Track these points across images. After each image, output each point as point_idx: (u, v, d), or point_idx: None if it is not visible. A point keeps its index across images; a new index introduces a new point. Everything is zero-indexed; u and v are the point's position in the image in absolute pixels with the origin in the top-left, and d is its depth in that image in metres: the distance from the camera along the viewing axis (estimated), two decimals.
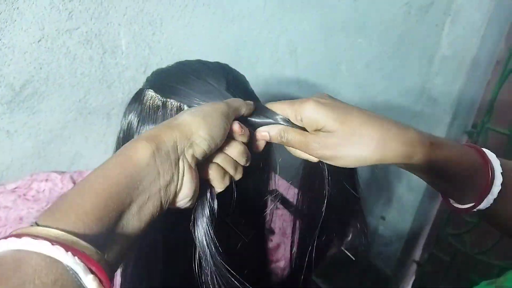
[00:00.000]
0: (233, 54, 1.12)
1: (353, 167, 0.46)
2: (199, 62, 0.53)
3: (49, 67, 0.85)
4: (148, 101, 0.47)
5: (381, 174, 2.02)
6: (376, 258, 2.34)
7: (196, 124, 0.38)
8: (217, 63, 0.54)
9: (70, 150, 0.98)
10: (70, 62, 0.87)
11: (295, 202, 1.02)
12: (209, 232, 0.41)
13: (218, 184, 0.42)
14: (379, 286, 2.30)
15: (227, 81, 0.47)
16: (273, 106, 0.47)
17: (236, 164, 0.43)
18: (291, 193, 1.06)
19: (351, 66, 1.45)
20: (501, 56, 1.57)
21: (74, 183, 0.97)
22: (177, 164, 0.37)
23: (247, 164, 0.45)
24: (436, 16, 1.64)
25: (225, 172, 0.43)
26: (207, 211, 0.41)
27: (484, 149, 0.46)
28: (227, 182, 0.43)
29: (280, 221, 0.93)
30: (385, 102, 1.72)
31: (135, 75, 0.95)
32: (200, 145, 0.38)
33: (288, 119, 0.45)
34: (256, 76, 1.19)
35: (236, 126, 0.43)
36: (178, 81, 0.48)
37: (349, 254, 0.91)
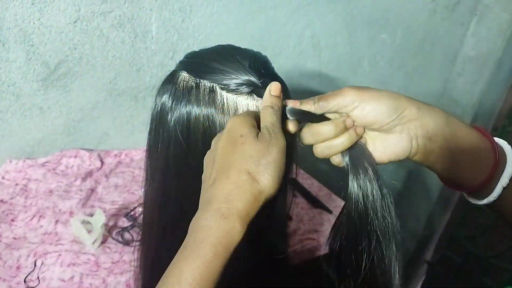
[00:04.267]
0: (258, 44, 1.14)
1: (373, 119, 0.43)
2: (231, 45, 0.55)
3: (83, 48, 0.89)
4: (182, 82, 0.49)
5: (396, 173, 2.02)
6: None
7: (276, 186, 0.38)
8: (249, 49, 0.55)
9: (98, 130, 1.02)
10: (103, 44, 0.91)
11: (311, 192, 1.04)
12: None
13: None
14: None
15: (249, 60, 0.48)
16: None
17: None
18: (308, 182, 1.08)
19: (373, 61, 1.46)
20: None
21: (101, 161, 1.01)
22: None
23: None
24: (462, 15, 1.63)
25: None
26: None
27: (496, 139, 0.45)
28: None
29: (298, 209, 0.96)
30: None
31: (163, 60, 0.99)
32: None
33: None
34: (278, 67, 1.20)
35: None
36: (211, 62, 0.49)
37: None
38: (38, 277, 0.70)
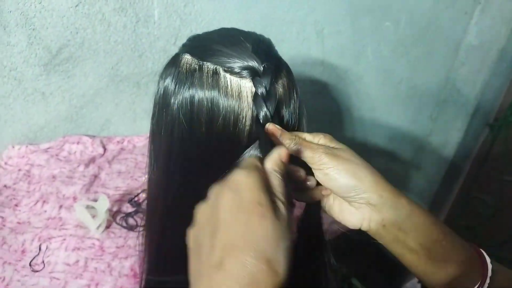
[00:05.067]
0: (260, 30, 1.11)
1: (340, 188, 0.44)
2: (235, 28, 0.54)
3: (85, 32, 0.88)
4: (185, 65, 0.48)
5: (397, 161, 2.02)
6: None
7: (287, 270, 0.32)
8: (253, 32, 0.55)
9: (100, 116, 1.01)
10: (105, 29, 0.90)
11: None
12: None
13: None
14: (388, 273, 2.31)
15: (253, 43, 0.48)
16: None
17: None
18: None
19: (376, 49, 1.45)
20: None
21: (104, 147, 1.01)
22: None
23: None
24: (466, 3, 1.61)
25: None
26: None
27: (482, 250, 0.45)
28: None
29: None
30: (408, 89, 1.71)
31: (166, 45, 0.98)
32: None
33: None
34: (281, 54, 1.20)
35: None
36: (214, 44, 0.49)
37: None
38: (43, 261, 0.70)
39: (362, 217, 0.44)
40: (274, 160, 0.38)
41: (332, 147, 0.46)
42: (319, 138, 0.47)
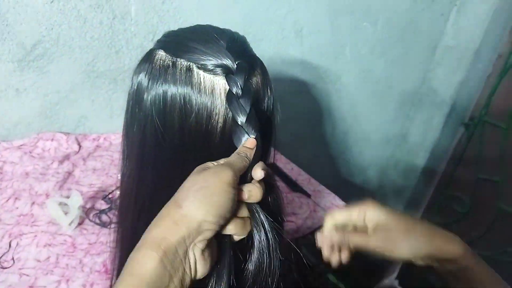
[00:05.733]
0: (240, 29, 1.12)
1: (407, 257, 0.53)
2: (209, 25, 0.54)
3: (60, 28, 0.87)
4: (158, 61, 0.49)
5: (375, 159, 2.05)
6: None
7: (203, 211, 0.37)
8: (228, 29, 0.55)
9: (76, 113, 1.00)
10: (80, 25, 0.89)
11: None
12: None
13: (242, 234, 0.42)
14: (367, 269, 2.35)
15: (227, 40, 0.48)
16: (337, 215, 0.57)
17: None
18: (288, 167, 1.10)
19: (355, 50, 1.47)
20: (504, 50, 1.59)
21: (79, 144, 1.00)
22: (186, 256, 0.37)
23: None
24: (443, 5, 1.65)
25: (244, 220, 0.42)
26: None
27: None
28: (248, 227, 0.42)
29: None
30: (386, 88, 1.74)
31: (143, 42, 0.98)
32: (210, 228, 0.37)
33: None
34: (260, 53, 1.20)
35: (245, 196, 0.41)
36: (189, 41, 0.49)
37: None
38: (12, 258, 0.69)
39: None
40: (239, 147, 0.45)
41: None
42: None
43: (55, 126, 0.99)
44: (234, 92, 0.45)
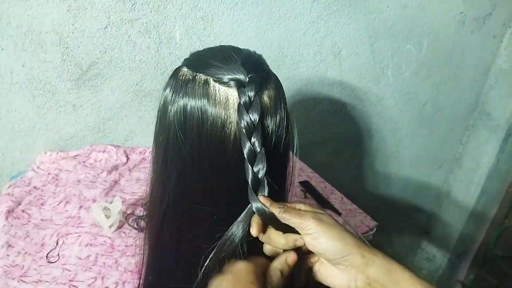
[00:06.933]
0: (277, 52, 1.19)
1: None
2: (230, 46, 0.60)
3: (112, 51, 0.98)
4: (182, 77, 0.54)
5: (427, 189, 1.98)
6: (418, 273, 2.27)
7: None
8: (246, 49, 0.60)
9: (125, 128, 1.10)
10: (130, 49, 0.99)
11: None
12: None
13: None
14: None
15: (243, 57, 0.53)
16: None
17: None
18: (322, 186, 1.11)
19: (397, 72, 1.46)
20: None
21: (127, 156, 1.09)
22: None
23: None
24: (495, 27, 1.60)
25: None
26: None
27: None
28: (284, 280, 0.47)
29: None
30: (434, 111, 1.70)
31: None
32: None
33: None
34: (299, 74, 1.26)
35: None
36: (209, 58, 0.54)
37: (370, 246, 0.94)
38: (58, 254, 0.77)
39: (349, 279, 0.47)
40: (280, 261, 0.48)
41: (316, 212, 0.50)
42: (300, 206, 0.52)
43: (106, 139, 1.09)
44: (242, 103, 0.49)
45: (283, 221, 0.49)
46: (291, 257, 0.48)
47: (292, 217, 0.48)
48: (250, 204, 0.50)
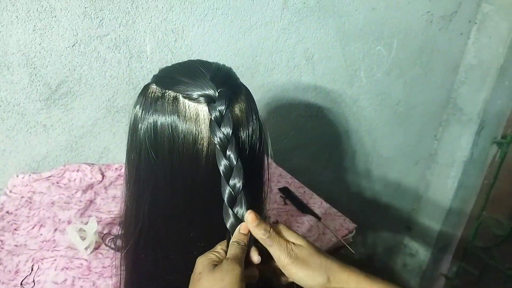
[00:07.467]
0: (250, 60, 1.19)
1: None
2: (199, 60, 0.59)
3: (81, 69, 0.96)
4: (151, 94, 0.54)
5: (404, 181, 2.01)
6: (402, 270, 2.31)
7: None
8: (216, 62, 0.60)
9: (99, 145, 1.08)
10: (100, 65, 0.98)
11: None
12: None
13: None
14: None
15: (212, 72, 0.53)
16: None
17: None
18: (301, 191, 1.11)
19: (370, 73, 1.49)
20: None
21: (102, 174, 1.07)
22: None
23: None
24: (461, 24, 1.64)
25: None
26: None
27: None
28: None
29: (288, 216, 0.99)
30: (407, 109, 1.73)
31: None
32: None
33: None
34: (273, 81, 1.26)
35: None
36: (177, 75, 0.54)
37: (349, 248, 0.95)
38: (33, 280, 0.75)
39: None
40: (235, 234, 0.50)
41: (292, 243, 0.52)
42: (281, 229, 0.54)
43: (80, 157, 1.07)
44: (213, 118, 0.49)
45: (263, 244, 0.50)
46: (243, 226, 0.50)
47: (273, 244, 0.50)
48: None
